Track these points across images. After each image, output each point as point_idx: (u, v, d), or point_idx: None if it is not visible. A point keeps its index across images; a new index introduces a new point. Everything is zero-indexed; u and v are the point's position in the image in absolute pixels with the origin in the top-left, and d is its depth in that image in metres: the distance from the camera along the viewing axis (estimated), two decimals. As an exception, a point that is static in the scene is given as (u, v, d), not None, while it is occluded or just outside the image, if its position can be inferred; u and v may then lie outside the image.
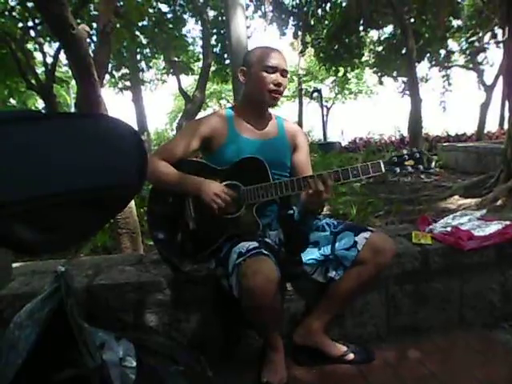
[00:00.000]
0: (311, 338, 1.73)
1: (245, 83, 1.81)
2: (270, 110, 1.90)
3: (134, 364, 1.42)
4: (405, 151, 1.61)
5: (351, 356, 1.73)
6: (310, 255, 1.69)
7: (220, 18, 10.53)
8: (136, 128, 0.86)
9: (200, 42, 11.80)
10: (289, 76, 1.83)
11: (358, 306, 1.89)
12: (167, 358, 1.50)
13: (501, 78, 12.06)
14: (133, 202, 3.13)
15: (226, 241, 1.65)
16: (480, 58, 13.34)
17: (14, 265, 1.99)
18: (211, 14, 10.75)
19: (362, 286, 1.68)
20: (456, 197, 5.10)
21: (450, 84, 14.11)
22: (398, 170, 1.59)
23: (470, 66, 13.96)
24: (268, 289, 1.41)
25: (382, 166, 1.57)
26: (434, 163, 1.64)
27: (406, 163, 1.59)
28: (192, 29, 13.57)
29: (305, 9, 11.22)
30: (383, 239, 1.65)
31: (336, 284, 1.66)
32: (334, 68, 13.50)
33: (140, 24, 8.41)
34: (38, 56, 9.40)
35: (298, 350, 1.74)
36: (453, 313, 1.95)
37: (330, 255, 1.66)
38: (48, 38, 8.23)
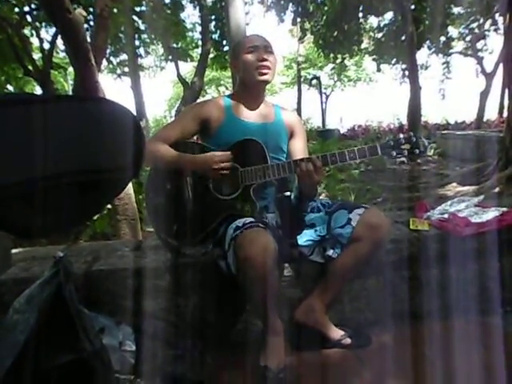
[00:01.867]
0: (313, 317, 1.74)
1: (237, 72, 1.88)
2: (268, 99, 1.93)
3: (134, 348, 1.44)
4: (401, 135, 1.62)
5: (348, 341, 1.74)
6: (307, 236, 1.72)
7: (219, 5, 10.42)
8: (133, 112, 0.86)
9: (199, 28, 11.70)
10: (279, 57, 1.86)
11: (355, 292, 1.90)
12: (166, 342, 1.52)
13: (501, 66, 12.02)
14: (131, 189, 3.13)
15: (222, 222, 1.67)
16: (480, 45, 13.26)
17: (14, 251, 1.99)
18: (209, -1, 10.65)
19: (360, 263, 1.68)
20: (454, 184, 5.13)
21: (449, 71, 14.04)
22: (394, 153, 1.61)
23: (470, 52, 13.88)
24: (265, 258, 1.41)
25: (379, 149, 1.61)
26: (430, 147, 1.66)
27: (403, 147, 1.61)
28: (191, 15, 13.47)
29: (304, -6, 11.12)
30: (376, 215, 1.67)
31: (334, 262, 1.67)
32: (332, 55, 13.42)
33: (137, 9, 8.32)
34: (35, 42, 9.32)
35: (296, 333, 1.75)
36: (450, 298, 1.96)
37: (326, 235, 1.69)
38: (44, 24, 8.14)
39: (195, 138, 1.92)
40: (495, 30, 12.01)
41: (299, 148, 1.90)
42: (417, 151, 1.60)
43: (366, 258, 1.67)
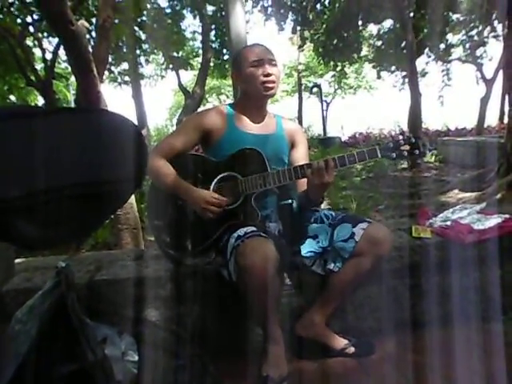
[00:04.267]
0: (313, 330, 1.74)
1: (239, 84, 1.87)
2: (269, 109, 1.93)
3: (136, 358, 1.43)
4: (400, 137, 1.62)
5: (352, 349, 1.74)
6: (309, 248, 1.71)
7: (219, 14, 10.48)
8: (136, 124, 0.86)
9: (199, 37, 11.76)
10: (280, 66, 1.86)
11: (358, 300, 1.90)
12: (168, 352, 1.51)
13: (501, 72, 12.03)
14: (133, 198, 3.13)
15: (225, 231, 1.67)
16: (479, 51, 13.29)
17: (16, 261, 1.99)
18: (209, 8, 10.70)
19: (361, 278, 1.69)
20: (455, 191, 5.12)
21: (449, 78, 14.05)
22: (393, 155, 1.62)
23: (470, 59, 13.90)
24: (266, 267, 1.41)
25: (378, 151, 1.60)
26: (428, 148, 1.66)
27: (402, 148, 1.61)
28: (191, 24, 13.56)
29: (304, 3, 11.17)
30: (380, 230, 1.66)
31: (335, 276, 1.68)
32: (332, 63, 13.46)
33: (139, 19, 8.37)
34: (37, 52, 9.37)
35: (299, 343, 1.75)
36: (452, 306, 1.95)
37: (328, 247, 1.68)
38: (46, 34, 8.19)
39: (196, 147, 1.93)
40: (495, 37, 12.05)
41: (301, 157, 1.89)
42: (416, 152, 1.61)
43: (366, 273, 1.67)
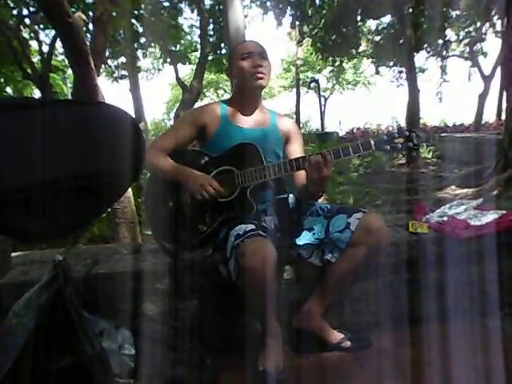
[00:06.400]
0: (310, 323, 1.75)
1: (232, 78, 1.91)
2: (267, 102, 1.92)
3: (133, 352, 1.43)
4: (394, 129, 1.63)
5: (348, 344, 1.74)
6: (305, 239, 1.72)
7: (217, 8, 10.44)
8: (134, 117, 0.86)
9: (197, 31, 11.72)
10: (275, 57, 1.87)
11: (355, 295, 1.90)
12: (165, 346, 1.51)
13: (499, 69, 12.05)
14: (130, 192, 3.13)
15: (222, 225, 1.68)
16: (477, 48, 13.29)
17: (13, 254, 1.99)
18: (208, 2, 10.66)
19: (359, 268, 1.68)
20: (453, 187, 5.13)
21: (445, 73, 14.05)
22: (388, 147, 1.62)
23: (468, 55, 13.91)
24: (266, 268, 1.42)
25: (373, 144, 1.61)
26: (421, 141, 1.67)
27: (396, 141, 1.62)
28: (189, 18, 13.50)
29: (302, -2, 11.14)
30: (375, 219, 1.66)
31: (333, 266, 1.68)
32: (331, 58, 13.45)
33: (136, 12, 8.32)
34: (34, 44, 9.32)
35: (295, 336, 1.75)
36: (449, 301, 1.96)
37: (325, 238, 1.69)
38: (43, 26, 8.14)
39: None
40: (494, 33, 12.05)
41: (296, 152, 1.89)
42: (410, 144, 1.61)
43: (364, 263, 1.67)
